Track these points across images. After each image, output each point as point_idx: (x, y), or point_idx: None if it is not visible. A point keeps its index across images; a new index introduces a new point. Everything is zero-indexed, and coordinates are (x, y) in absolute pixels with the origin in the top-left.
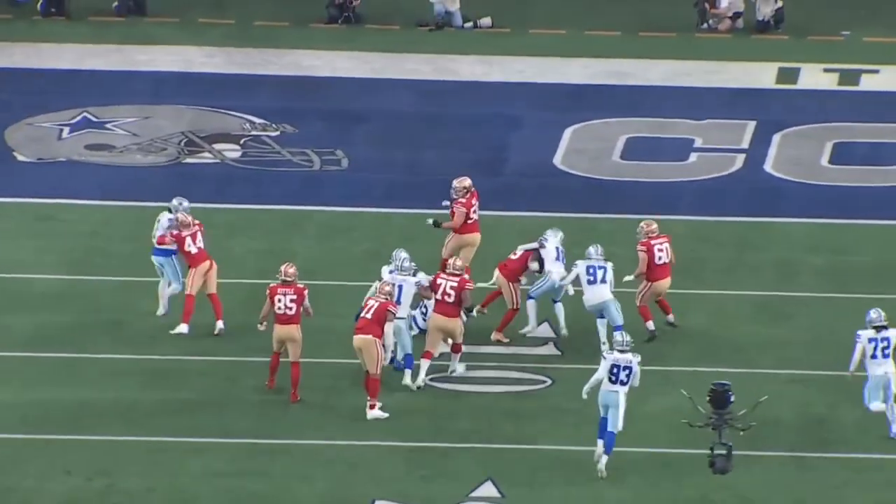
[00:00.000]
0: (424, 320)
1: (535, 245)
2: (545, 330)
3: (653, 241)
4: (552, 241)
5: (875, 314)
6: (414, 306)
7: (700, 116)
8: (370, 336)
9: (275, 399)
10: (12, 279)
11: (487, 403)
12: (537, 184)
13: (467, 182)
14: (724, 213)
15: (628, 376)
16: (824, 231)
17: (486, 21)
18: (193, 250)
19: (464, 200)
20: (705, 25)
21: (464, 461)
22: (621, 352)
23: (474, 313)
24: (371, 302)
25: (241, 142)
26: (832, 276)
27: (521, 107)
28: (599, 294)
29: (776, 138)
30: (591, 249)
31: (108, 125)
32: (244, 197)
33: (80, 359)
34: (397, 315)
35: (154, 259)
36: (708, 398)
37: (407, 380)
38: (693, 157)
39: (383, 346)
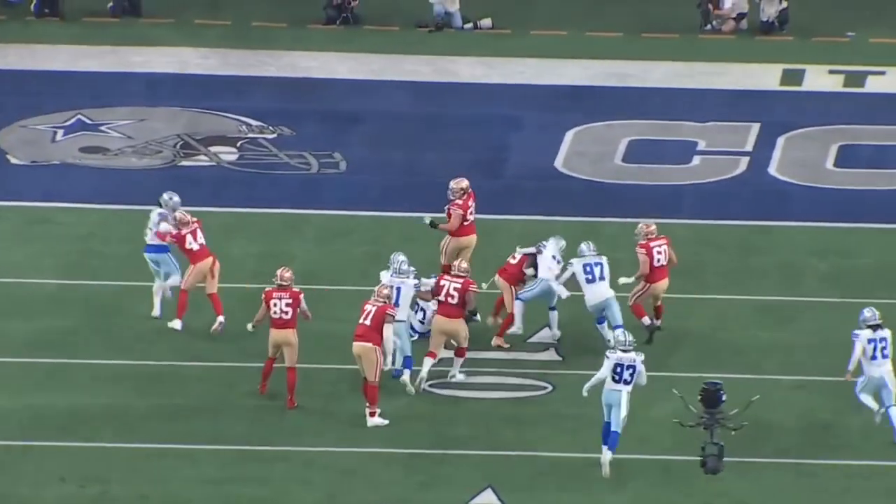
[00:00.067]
0: (422, 322)
1: (532, 250)
2: (546, 335)
3: (652, 243)
4: (550, 249)
5: (869, 313)
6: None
7: (703, 118)
8: (369, 343)
9: (271, 405)
10: (6, 283)
11: (487, 409)
12: (538, 187)
13: (464, 183)
14: (728, 217)
15: (632, 375)
16: (829, 235)
17: (487, 22)
18: (195, 247)
19: (460, 202)
20: (708, 26)
21: (463, 468)
22: (624, 351)
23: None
24: (368, 307)
25: (238, 144)
26: (837, 280)
27: (522, 109)
28: (600, 292)
29: (780, 141)
30: (584, 246)
31: (102, 127)
32: (240, 200)
33: (74, 364)
34: (396, 318)
35: (147, 256)
36: (699, 397)
37: (405, 378)
38: (696, 159)
39: (383, 352)
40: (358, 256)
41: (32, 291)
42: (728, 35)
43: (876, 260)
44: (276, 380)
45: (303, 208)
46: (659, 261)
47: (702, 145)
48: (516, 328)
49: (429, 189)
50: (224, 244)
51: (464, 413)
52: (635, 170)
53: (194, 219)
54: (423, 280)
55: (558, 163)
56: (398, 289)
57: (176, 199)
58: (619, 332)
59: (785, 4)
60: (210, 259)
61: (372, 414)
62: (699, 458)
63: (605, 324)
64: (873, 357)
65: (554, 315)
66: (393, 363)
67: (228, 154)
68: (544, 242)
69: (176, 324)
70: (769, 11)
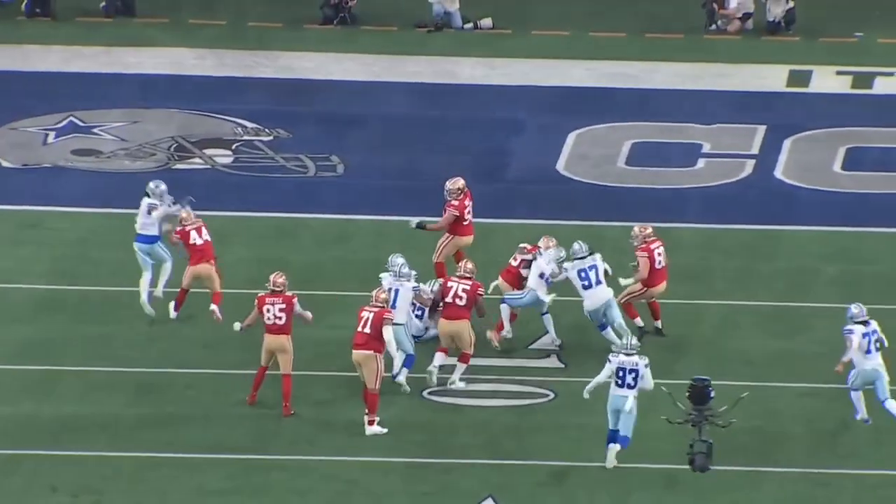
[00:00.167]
0: (419, 317)
1: (529, 257)
2: (546, 341)
3: (651, 245)
4: (546, 257)
5: (857, 309)
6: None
7: (708, 121)
8: (370, 351)
9: (268, 413)
10: None
11: (488, 418)
12: (539, 190)
13: (460, 183)
14: (734, 221)
15: (635, 380)
16: (837, 239)
17: (487, 22)
18: (199, 242)
19: (456, 203)
20: (714, 27)
21: (464, 477)
22: (627, 355)
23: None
24: (365, 313)
25: (233, 147)
26: (845, 286)
27: (523, 110)
28: (600, 296)
29: (787, 143)
30: (576, 247)
31: (95, 130)
32: (236, 204)
33: (65, 371)
34: (394, 321)
35: (138, 247)
36: (687, 394)
37: (401, 378)
38: (701, 162)
39: (381, 358)
40: (356, 262)
41: (23, 297)
42: (733, 35)
43: (885, 264)
44: (271, 388)
45: (299, 212)
46: (660, 263)
47: (707, 148)
48: (505, 332)
49: (428, 193)
50: (219, 249)
51: (464, 421)
52: (639, 173)
53: (199, 220)
54: (422, 287)
55: (560, 165)
56: (396, 291)
57: (163, 186)
58: (622, 334)
59: (791, 4)
60: (206, 268)
61: (371, 422)
62: (687, 456)
63: (609, 329)
64: (867, 351)
65: (548, 319)
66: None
67: (223, 157)
68: (541, 250)
69: (172, 314)
70: (775, 11)
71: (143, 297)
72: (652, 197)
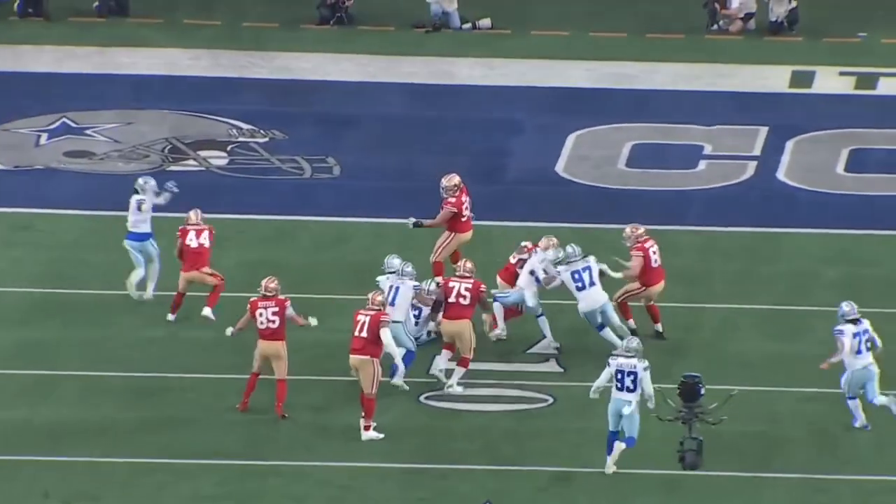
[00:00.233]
0: (416, 319)
1: (526, 256)
2: (545, 345)
3: (645, 245)
4: (539, 256)
5: (848, 307)
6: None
7: (710, 122)
8: (367, 356)
9: (263, 418)
10: None
11: (486, 423)
12: (538, 192)
13: (456, 179)
14: (735, 223)
15: (634, 382)
16: (839, 242)
17: (486, 22)
18: (194, 245)
19: (453, 200)
20: (715, 27)
21: (462, 483)
22: (626, 357)
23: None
24: (361, 317)
25: (228, 148)
26: (847, 289)
27: (522, 111)
28: (594, 298)
29: (789, 145)
30: (570, 250)
31: (88, 131)
32: (231, 206)
33: (58, 375)
34: (393, 319)
35: (129, 244)
36: (677, 391)
37: (397, 380)
38: (702, 164)
39: (378, 363)
40: (353, 264)
41: (15, 300)
42: (735, 35)
43: (888, 268)
44: (266, 393)
45: (295, 215)
46: (656, 262)
47: (708, 149)
48: (500, 330)
49: (426, 194)
50: (214, 252)
51: (462, 426)
52: (639, 175)
53: (209, 226)
54: (423, 286)
55: (559, 167)
56: (396, 288)
57: (151, 182)
58: (622, 335)
59: (794, 4)
60: (196, 274)
61: (367, 427)
62: (677, 454)
63: (608, 329)
64: (858, 351)
65: (543, 321)
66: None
67: (218, 158)
68: (537, 250)
69: (169, 317)
70: (778, 11)
71: (132, 280)
72: (652, 199)
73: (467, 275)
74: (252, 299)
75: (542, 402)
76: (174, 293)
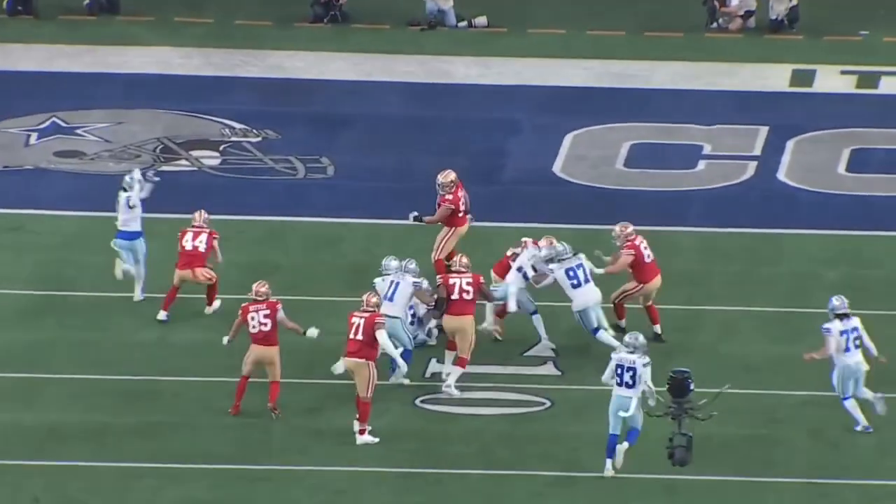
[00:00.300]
0: (412, 322)
1: (519, 250)
2: (542, 348)
3: (636, 242)
4: (528, 253)
5: (838, 301)
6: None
7: (709, 121)
8: (363, 359)
9: (255, 422)
10: None
11: (482, 426)
12: (536, 192)
13: (452, 175)
14: (735, 224)
15: (633, 378)
16: (841, 243)
17: (482, 20)
18: (189, 246)
19: (450, 197)
20: (715, 25)
21: (458, 488)
22: (629, 352)
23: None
24: (355, 319)
25: (221, 148)
26: (849, 291)
27: (519, 111)
28: (589, 296)
29: (790, 145)
30: (560, 248)
31: (78, 131)
32: (224, 207)
33: (48, 379)
34: (391, 314)
35: (120, 243)
36: (667, 386)
37: (399, 378)
38: (702, 164)
39: (374, 366)
40: (346, 266)
41: (4, 303)
42: (735, 34)
43: (890, 269)
44: (258, 396)
45: (289, 215)
46: (648, 256)
47: (707, 149)
48: (487, 323)
49: (421, 195)
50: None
51: (458, 430)
52: (638, 175)
53: (213, 232)
54: (424, 283)
55: (557, 167)
56: (396, 284)
57: (138, 174)
58: (629, 336)
59: (795, 2)
60: (188, 273)
61: (362, 431)
62: (667, 450)
63: (602, 332)
64: (846, 349)
65: (538, 320)
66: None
67: (211, 158)
68: (530, 247)
69: (161, 314)
70: (778, 9)
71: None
72: (651, 199)
73: (464, 270)
74: (243, 304)
75: (539, 405)
76: (164, 296)
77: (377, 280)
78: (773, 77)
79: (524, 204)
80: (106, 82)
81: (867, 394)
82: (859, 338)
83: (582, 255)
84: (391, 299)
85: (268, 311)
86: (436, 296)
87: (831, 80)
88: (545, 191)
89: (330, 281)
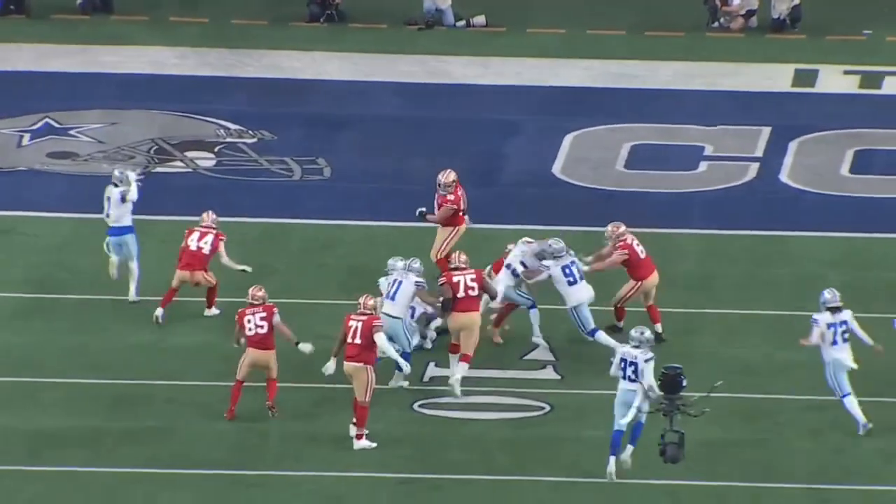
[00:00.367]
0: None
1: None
2: (543, 353)
3: (628, 241)
4: (518, 249)
5: (830, 294)
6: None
7: (711, 122)
8: (361, 364)
9: (251, 427)
10: None
11: (482, 431)
12: (535, 194)
13: (453, 175)
14: (737, 227)
15: (635, 373)
16: (845, 245)
17: (480, 19)
18: (192, 247)
19: (453, 197)
20: (716, 24)
21: (457, 494)
22: (634, 347)
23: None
24: (353, 323)
25: (216, 149)
26: (854, 294)
27: (518, 112)
28: (584, 293)
29: (793, 146)
30: (558, 245)
31: (71, 132)
32: (219, 209)
33: (41, 383)
34: (392, 314)
35: (111, 240)
36: (658, 382)
37: (398, 382)
38: (703, 165)
39: (373, 370)
40: (343, 269)
41: None
42: (737, 33)
43: (894, 271)
44: (252, 400)
45: (284, 217)
46: (642, 252)
47: (709, 150)
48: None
49: (418, 197)
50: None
51: (457, 435)
52: (638, 176)
53: (220, 233)
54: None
55: (556, 169)
56: (399, 283)
57: (127, 173)
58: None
59: (797, 1)
60: (187, 274)
61: (359, 436)
62: (658, 447)
63: (601, 333)
64: (833, 342)
65: (535, 315)
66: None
67: (206, 160)
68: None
69: (158, 311)
70: (780, 8)
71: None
72: (652, 201)
73: (464, 266)
74: (239, 310)
75: (540, 410)
76: (159, 299)
77: (381, 279)
78: (776, 77)
79: (523, 206)
80: (100, 82)
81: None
82: (847, 331)
83: (573, 253)
84: (393, 298)
85: (264, 314)
86: (441, 297)
87: (834, 80)
88: (544, 193)
89: (326, 284)
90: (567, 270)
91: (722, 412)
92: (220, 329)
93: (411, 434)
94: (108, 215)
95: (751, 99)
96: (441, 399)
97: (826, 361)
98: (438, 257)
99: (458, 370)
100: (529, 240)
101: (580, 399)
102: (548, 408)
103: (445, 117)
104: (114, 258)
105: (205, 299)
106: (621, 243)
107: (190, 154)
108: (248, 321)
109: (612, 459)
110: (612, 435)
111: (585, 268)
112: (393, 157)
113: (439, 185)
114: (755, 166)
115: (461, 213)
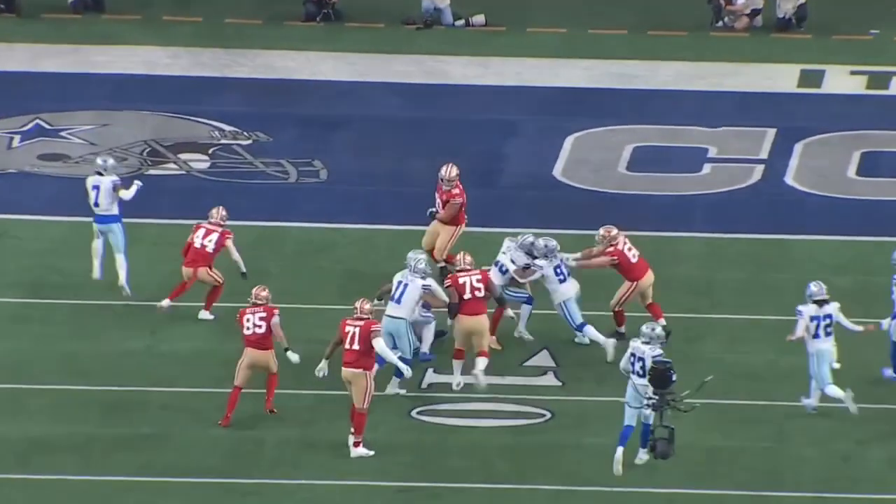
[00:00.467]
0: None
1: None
2: (544, 359)
3: (619, 247)
4: (504, 246)
5: (816, 287)
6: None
7: (714, 123)
8: (360, 369)
9: (246, 434)
10: None
11: (481, 439)
12: (535, 196)
13: (456, 170)
14: (741, 230)
15: (643, 369)
16: (851, 249)
17: (480, 19)
18: (197, 244)
19: (457, 191)
20: (720, 23)
21: (455, 502)
22: (644, 342)
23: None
24: (349, 328)
25: (210, 151)
26: (859, 299)
27: (518, 112)
28: (572, 289)
29: (798, 147)
30: (552, 244)
31: (62, 133)
32: None
33: (32, 389)
34: (396, 316)
35: (98, 227)
36: (648, 377)
37: (396, 388)
38: (707, 167)
39: (371, 376)
40: (339, 273)
41: None
42: (741, 33)
43: None
44: (248, 406)
45: (280, 220)
46: (634, 255)
47: (713, 152)
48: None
49: (417, 199)
50: None
51: (456, 442)
52: (641, 179)
53: (226, 231)
54: (434, 286)
55: (557, 171)
56: (405, 285)
57: (111, 161)
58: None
59: (803, 0)
60: (190, 271)
61: (357, 444)
62: (648, 442)
63: (589, 327)
64: (815, 335)
65: (526, 310)
66: (418, 350)
67: (199, 162)
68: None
69: (165, 302)
70: (786, 7)
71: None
72: (654, 204)
73: (469, 267)
74: (241, 310)
75: (540, 417)
76: (157, 303)
77: (398, 275)
78: (781, 77)
79: (523, 208)
80: (91, 83)
81: (835, 392)
82: (831, 325)
83: (558, 255)
84: (398, 301)
85: (264, 314)
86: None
87: (841, 80)
88: (545, 195)
89: (322, 288)
90: (558, 269)
91: (726, 419)
92: (214, 335)
93: (409, 441)
94: (97, 204)
95: (755, 100)
96: (440, 406)
97: (810, 353)
98: (443, 259)
99: (479, 363)
100: (514, 239)
101: (581, 406)
102: (548, 415)
103: (444, 118)
104: (97, 245)
105: (203, 301)
106: (611, 248)
107: (183, 156)
108: (248, 320)
109: (620, 450)
110: (622, 429)
111: (572, 263)
112: (390, 158)
113: (442, 179)
114: (760, 168)
115: (462, 210)
